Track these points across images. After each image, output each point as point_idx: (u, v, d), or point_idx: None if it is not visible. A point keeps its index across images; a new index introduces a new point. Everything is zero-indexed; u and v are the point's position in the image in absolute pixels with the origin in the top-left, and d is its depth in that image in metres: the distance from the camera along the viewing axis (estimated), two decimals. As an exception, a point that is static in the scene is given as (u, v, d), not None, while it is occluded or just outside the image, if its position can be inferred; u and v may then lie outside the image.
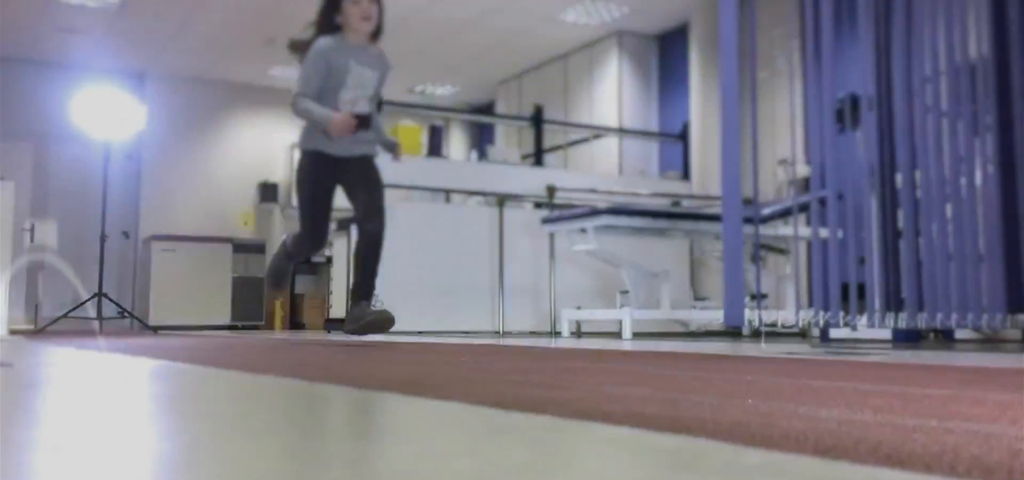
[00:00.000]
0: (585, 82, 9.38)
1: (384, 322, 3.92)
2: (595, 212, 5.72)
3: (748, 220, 4.61)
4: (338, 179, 4.14)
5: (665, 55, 9.14)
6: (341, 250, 7.55)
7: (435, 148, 7.76)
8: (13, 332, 6.35)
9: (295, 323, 10.23)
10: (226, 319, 9.63)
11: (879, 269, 4.08)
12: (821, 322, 4.12)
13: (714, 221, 5.82)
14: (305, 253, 4.26)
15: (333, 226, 8.37)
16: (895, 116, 4.03)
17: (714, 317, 5.84)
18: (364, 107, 4.08)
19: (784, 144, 6.80)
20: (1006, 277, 3.71)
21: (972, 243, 3.82)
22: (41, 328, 7.48)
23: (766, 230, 5.72)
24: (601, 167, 8.90)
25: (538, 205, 7.27)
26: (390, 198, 7.04)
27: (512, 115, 9.86)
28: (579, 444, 0.94)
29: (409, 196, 7.09)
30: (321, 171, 4.07)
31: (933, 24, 3.96)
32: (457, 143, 11.80)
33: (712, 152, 7.82)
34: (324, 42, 4.02)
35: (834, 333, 4.29)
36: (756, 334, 5.49)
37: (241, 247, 9.91)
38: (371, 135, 4.18)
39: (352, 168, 4.10)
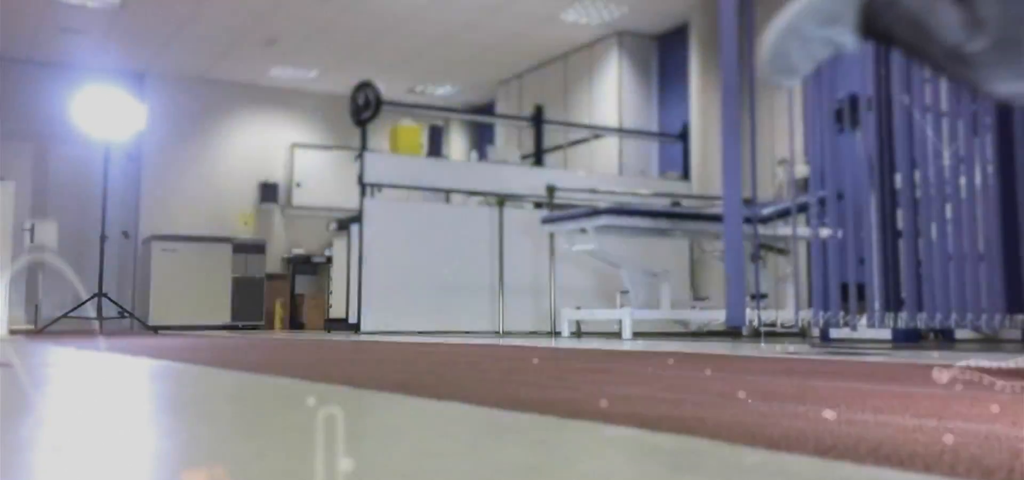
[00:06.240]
0: (585, 82, 9.38)
1: None
2: (595, 212, 5.71)
3: (748, 220, 4.61)
4: None
5: (665, 55, 9.13)
6: (341, 250, 7.55)
7: (435, 148, 7.76)
8: (13, 332, 6.35)
9: (295, 323, 10.23)
10: (226, 319, 9.63)
11: (879, 269, 4.08)
12: (821, 322, 4.12)
13: (714, 221, 5.82)
14: None
15: (333, 226, 8.38)
16: (895, 116, 4.03)
17: (714, 317, 5.84)
18: None
19: (784, 144, 6.80)
20: (1006, 277, 3.71)
21: (971, 243, 3.82)
22: (41, 328, 7.48)
23: (766, 230, 5.72)
24: (601, 167, 8.89)
25: (538, 205, 7.26)
26: (391, 198, 7.06)
27: (512, 115, 9.86)
28: (579, 444, 0.94)
29: (409, 196, 7.09)
30: None
31: (933, 24, 3.94)
32: (457, 143, 11.80)
33: (712, 152, 7.82)
34: None
35: (834, 333, 4.29)
36: (756, 334, 5.49)
37: (241, 247, 9.92)
38: None
39: None
